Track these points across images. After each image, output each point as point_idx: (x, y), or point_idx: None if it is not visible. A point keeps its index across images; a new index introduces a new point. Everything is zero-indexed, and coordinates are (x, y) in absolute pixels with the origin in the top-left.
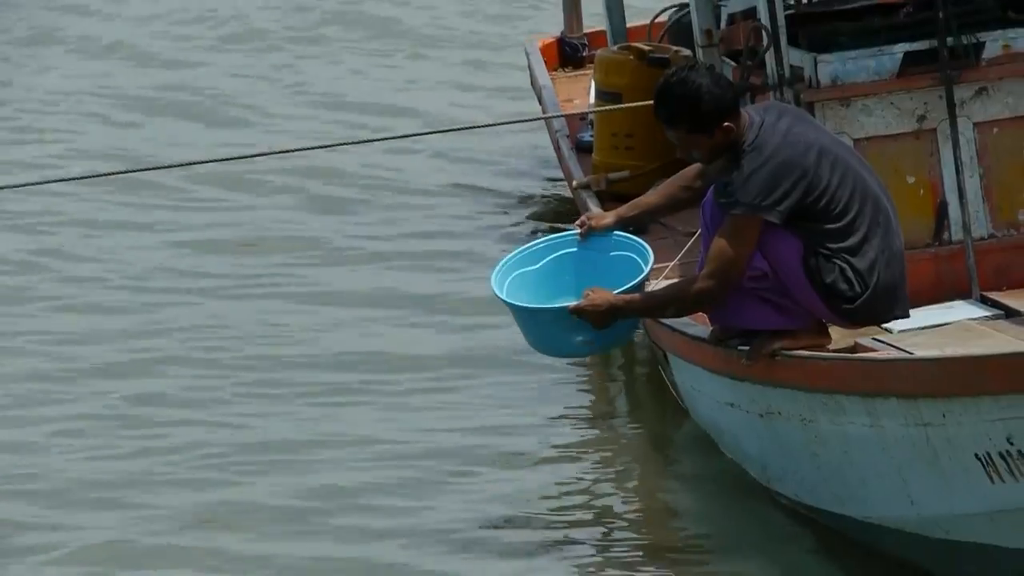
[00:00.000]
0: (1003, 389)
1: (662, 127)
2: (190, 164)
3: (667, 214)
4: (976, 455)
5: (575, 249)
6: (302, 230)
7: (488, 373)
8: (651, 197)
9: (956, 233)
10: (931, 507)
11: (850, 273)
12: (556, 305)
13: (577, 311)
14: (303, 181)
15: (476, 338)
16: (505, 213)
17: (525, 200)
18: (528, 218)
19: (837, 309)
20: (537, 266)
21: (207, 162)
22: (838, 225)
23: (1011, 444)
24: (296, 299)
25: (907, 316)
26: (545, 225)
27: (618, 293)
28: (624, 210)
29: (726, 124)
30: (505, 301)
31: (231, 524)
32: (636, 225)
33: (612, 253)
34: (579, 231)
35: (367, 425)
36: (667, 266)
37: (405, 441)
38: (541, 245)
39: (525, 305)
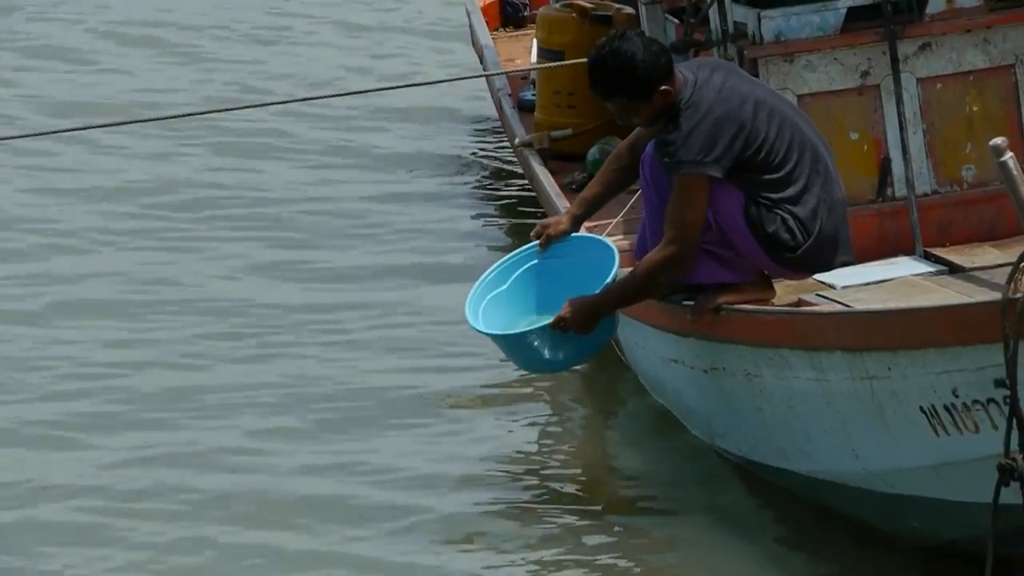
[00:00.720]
0: (948, 342)
1: (600, 99)
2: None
3: (613, 197)
4: (921, 408)
5: (538, 261)
6: (235, 197)
7: (428, 334)
8: (595, 189)
9: (900, 189)
10: (876, 461)
11: (792, 223)
12: (536, 326)
13: (559, 324)
14: (234, 145)
15: (414, 306)
16: (447, 175)
17: (467, 161)
18: (469, 179)
19: (780, 259)
20: (505, 286)
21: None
22: (778, 175)
23: (956, 397)
24: (238, 262)
25: (853, 262)
26: (485, 180)
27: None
28: (575, 209)
29: (663, 87)
30: (487, 333)
31: (183, 464)
32: (589, 217)
33: (576, 257)
34: (538, 243)
35: (308, 381)
36: (610, 223)
37: (351, 399)
38: (505, 264)
39: (508, 333)
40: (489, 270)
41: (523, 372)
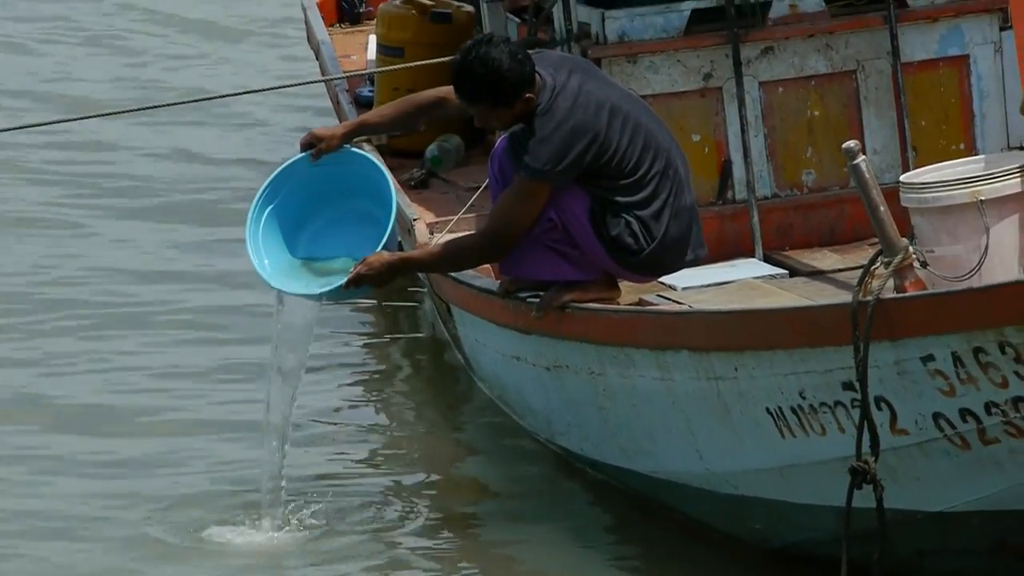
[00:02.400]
0: (797, 343)
1: (464, 103)
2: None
3: (393, 131)
4: (767, 409)
5: (309, 169)
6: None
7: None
8: (380, 117)
9: (740, 192)
10: (720, 462)
11: (636, 227)
12: (331, 287)
13: (357, 281)
14: (61, 167)
15: (234, 315)
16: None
17: None
18: None
19: (623, 262)
20: (278, 200)
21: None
22: (627, 181)
23: (803, 399)
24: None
25: (703, 256)
26: None
27: (386, 249)
28: (351, 126)
29: (527, 95)
30: (277, 288)
31: None
32: (359, 137)
33: (345, 167)
34: (310, 152)
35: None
36: (451, 220)
37: (173, 408)
38: (276, 177)
39: (304, 293)
40: (260, 188)
41: (356, 380)
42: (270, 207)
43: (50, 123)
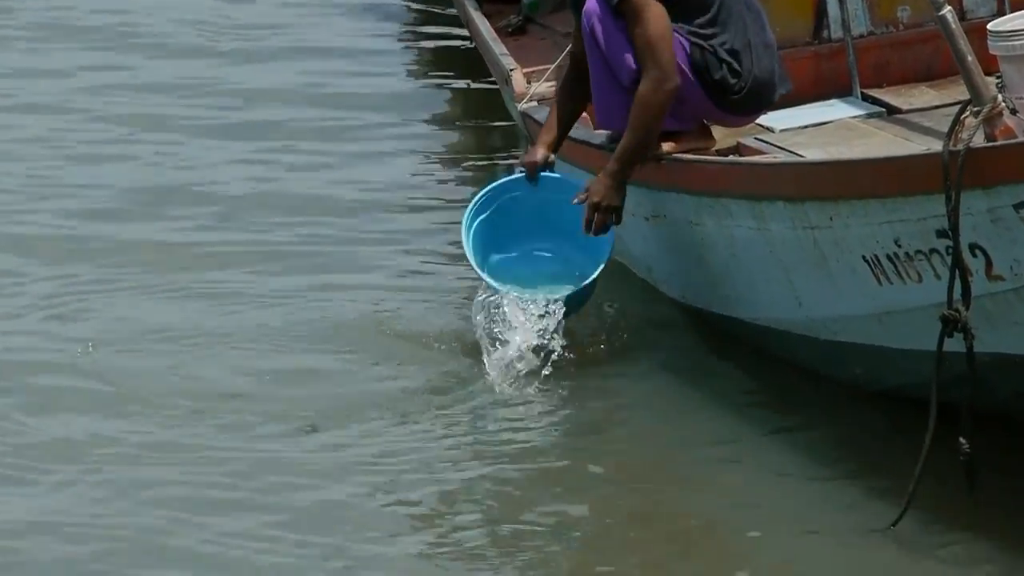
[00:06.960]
0: (890, 192)
1: None
2: None
3: (576, 118)
4: (863, 257)
5: (517, 193)
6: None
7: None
8: (560, 115)
9: (836, 31)
10: (819, 309)
11: (736, 66)
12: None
13: (591, 206)
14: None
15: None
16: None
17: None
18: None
19: (722, 103)
20: (487, 214)
21: None
22: (709, 17)
23: (899, 247)
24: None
25: (789, 91)
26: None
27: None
28: (548, 139)
29: None
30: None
31: None
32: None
33: (547, 194)
34: (525, 175)
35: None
36: (547, 68)
37: (318, 399)
38: (493, 188)
39: (576, 289)
40: (477, 197)
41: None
42: (482, 215)
43: None
